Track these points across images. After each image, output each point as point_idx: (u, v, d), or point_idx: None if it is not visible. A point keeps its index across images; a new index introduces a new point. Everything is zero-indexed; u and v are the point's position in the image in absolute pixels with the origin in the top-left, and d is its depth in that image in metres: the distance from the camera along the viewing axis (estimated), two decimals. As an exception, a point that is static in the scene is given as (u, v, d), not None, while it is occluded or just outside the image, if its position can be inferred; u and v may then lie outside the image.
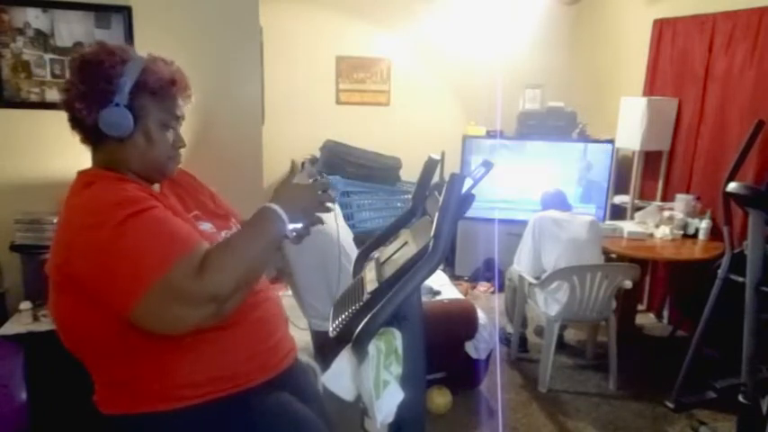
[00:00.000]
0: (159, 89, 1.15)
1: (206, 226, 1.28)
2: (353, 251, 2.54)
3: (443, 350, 2.70)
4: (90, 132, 1.14)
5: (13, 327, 2.24)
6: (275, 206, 1.12)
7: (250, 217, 1.15)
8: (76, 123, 1.15)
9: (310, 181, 1.26)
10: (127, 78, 1.10)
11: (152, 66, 1.16)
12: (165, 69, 1.17)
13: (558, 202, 3.24)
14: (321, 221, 1.23)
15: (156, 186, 1.26)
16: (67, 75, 1.15)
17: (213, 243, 1.13)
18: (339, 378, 1.09)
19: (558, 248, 3.00)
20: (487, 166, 1.26)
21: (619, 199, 4.36)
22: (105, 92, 1.09)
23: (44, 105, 2.42)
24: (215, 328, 1.11)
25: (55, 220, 2.38)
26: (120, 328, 1.05)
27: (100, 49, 1.13)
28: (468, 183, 1.12)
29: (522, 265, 3.19)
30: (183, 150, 1.26)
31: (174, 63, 1.22)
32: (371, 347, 1.08)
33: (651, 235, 3.58)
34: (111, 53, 1.12)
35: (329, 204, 1.23)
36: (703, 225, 3.52)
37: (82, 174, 1.18)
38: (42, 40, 2.39)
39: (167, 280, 0.98)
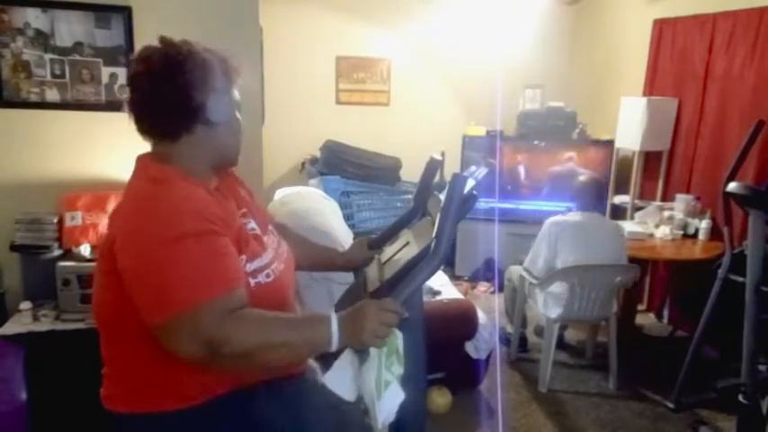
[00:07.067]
0: (232, 75, 1.20)
1: (252, 224, 1.28)
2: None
3: (443, 350, 2.70)
4: (183, 123, 1.14)
5: (13, 327, 2.23)
6: (334, 323, 1.06)
7: (312, 313, 1.18)
8: (179, 114, 1.14)
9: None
10: (217, 70, 1.15)
11: (222, 54, 1.19)
12: (231, 57, 1.21)
13: (586, 199, 3.08)
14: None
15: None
16: (185, 74, 1.13)
17: (260, 244, 1.21)
18: (340, 378, 1.09)
19: (579, 251, 2.91)
20: (489, 165, 1.26)
21: (619, 199, 4.35)
22: (211, 84, 1.14)
23: (44, 105, 2.40)
24: None
25: (55, 220, 2.39)
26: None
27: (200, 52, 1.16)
28: (470, 183, 1.12)
29: (536, 270, 3.08)
30: None
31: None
32: (373, 348, 1.08)
33: (651, 235, 3.58)
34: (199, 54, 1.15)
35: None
36: (703, 225, 3.52)
37: (145, 162, 1.17)
38: (42, 40, 2.38)
39: (195, 314, 0.99)
